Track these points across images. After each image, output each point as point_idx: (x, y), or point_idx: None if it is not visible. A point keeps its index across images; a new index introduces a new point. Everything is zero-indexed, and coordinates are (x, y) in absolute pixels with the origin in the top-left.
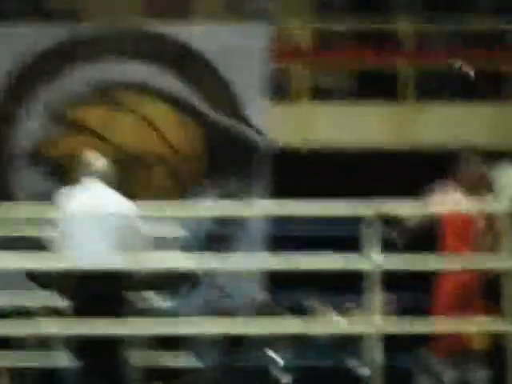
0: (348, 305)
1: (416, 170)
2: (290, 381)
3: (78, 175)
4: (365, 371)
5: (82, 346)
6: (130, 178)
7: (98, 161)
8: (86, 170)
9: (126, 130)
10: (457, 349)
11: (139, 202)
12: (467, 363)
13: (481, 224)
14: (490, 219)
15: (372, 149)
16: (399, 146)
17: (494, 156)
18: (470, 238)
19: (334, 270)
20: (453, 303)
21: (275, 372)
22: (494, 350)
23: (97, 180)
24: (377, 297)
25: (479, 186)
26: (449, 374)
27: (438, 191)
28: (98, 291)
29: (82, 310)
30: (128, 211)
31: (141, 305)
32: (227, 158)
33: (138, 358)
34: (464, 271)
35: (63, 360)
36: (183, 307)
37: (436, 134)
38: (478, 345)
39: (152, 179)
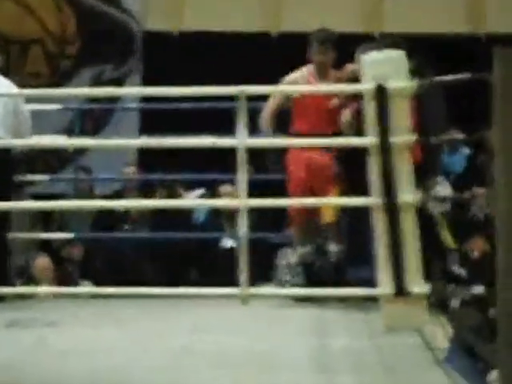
0: (220, 183)
1: (283, 53)
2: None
3: None
4: (232, 243)
5: None
6: (6, 61)
7: None
8: None
9: (2, 14)
10: (310, 222)
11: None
12: (321, 236)
13: (337, 104)
14: (348, 99)
15: (242, 33)
16: (267, 29)
17: (358, 40)
18: (323, 118)
19: (204, 148)
20: (306, 179)
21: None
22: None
23: None
24: (243, 174)
25: (328, 69)
26: (305, 246)
27: (295, 74)
28: None
29: None
30: (15, 94)
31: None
32: (101, 43)
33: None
34: (317, 149)
35: None
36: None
37: (303, 19)
38: (329, 218)
39: (28, 62)
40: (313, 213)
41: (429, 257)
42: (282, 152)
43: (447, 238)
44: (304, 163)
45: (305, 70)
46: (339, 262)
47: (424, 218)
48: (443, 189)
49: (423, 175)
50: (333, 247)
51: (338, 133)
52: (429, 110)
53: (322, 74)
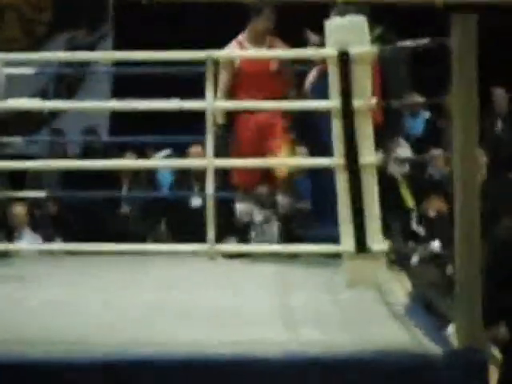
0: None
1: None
2: (129, 211)
3: None
4: (198, 202)
5: None
6: None
7: None
8: None
9: None
10: (258, 180)
11: None
12: (272, 193)
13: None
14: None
15: None
16: None
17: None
18: (266, 85)
19: (173, 111)
20: (253, 140)
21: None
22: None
23: None
24: (210, 134)
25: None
26: (256, 203)
27: (233, 44)
28: None
29: None
30: None
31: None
32: (75, 9)
33: None
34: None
35: None
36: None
37: None
38: (282, 174)
39: (3, 28)
40: (264, 177)
41: (389, 216)
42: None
43: (407, 197)
44: (252, 125)
45: (241, 38)
46: (288, 215)
47: (385, 178)
48: (403, 150)
49: (384, 137)
50: (282, 199)
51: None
52: (391, 74)
53: (258, 41)
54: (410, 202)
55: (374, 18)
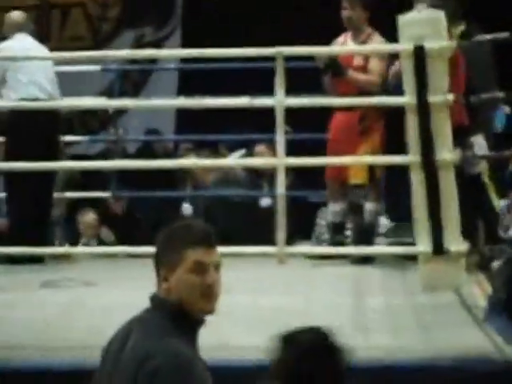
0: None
1: (323, 15)
2: (191, 211)
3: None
4: (269, 202)
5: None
6: (46, 24)
7: (21, 17)
8: (13, 29)
9: None
10: (343, 182)
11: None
12: (356, 194)
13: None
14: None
15: None
16: None
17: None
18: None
19: (242, 108)
20: (338, 138)
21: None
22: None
23: (24, 34)
24: (281, 133)
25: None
26: (340, 204)
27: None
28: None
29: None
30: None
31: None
32: (142, 5)
33: None
34: (351, 109)
35: None
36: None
37: None
38: (361, 179)
39: (69, 26)
40: (344, 173)
41: (473, 217)
42: None
43: (494, 199)
44: (333, 124)
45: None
46: (374, 221)
47: (470, 179)
48: (481, 147)
49: (467, 134)
50: (369, 206)
51: (362, 93)
52: (476, 69)
53: (355, 34)
54: (498, 204)
55: (460, 13)
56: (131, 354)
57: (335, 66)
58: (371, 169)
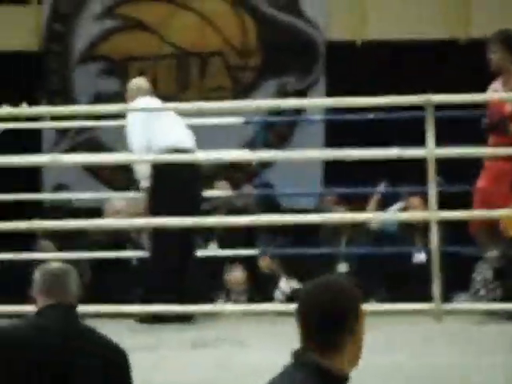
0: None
1: (471, 61)
2: (347, 268)
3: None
4: (423, 257)
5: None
6: (184, 73)
7: (144, 83)
8: (139, 94)
9: (184, 26)
10: (493, 230)
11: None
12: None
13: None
14: None
15: (427, 40)
16: (454, 36)
17: None
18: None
19: (391, 159)
20: (489, 189)
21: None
22: None
23: (149, 97)
24: (432, 184)
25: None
26: (493, 251)
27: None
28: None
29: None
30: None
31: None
32: (284, 54)
33: None
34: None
35: None
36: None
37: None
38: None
39: (208, 75)
40: (494, 224)
41: None
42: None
43: None
44: (484, 172)
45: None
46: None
47: None
48: None
49: None
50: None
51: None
52: None
53: (503, 79)
54: None
55: None
56: None
57: (502, 125)
58: None
